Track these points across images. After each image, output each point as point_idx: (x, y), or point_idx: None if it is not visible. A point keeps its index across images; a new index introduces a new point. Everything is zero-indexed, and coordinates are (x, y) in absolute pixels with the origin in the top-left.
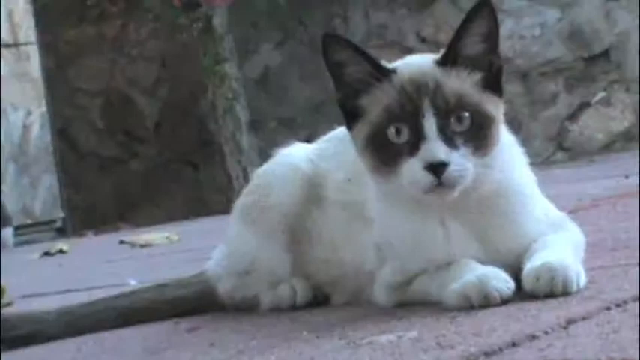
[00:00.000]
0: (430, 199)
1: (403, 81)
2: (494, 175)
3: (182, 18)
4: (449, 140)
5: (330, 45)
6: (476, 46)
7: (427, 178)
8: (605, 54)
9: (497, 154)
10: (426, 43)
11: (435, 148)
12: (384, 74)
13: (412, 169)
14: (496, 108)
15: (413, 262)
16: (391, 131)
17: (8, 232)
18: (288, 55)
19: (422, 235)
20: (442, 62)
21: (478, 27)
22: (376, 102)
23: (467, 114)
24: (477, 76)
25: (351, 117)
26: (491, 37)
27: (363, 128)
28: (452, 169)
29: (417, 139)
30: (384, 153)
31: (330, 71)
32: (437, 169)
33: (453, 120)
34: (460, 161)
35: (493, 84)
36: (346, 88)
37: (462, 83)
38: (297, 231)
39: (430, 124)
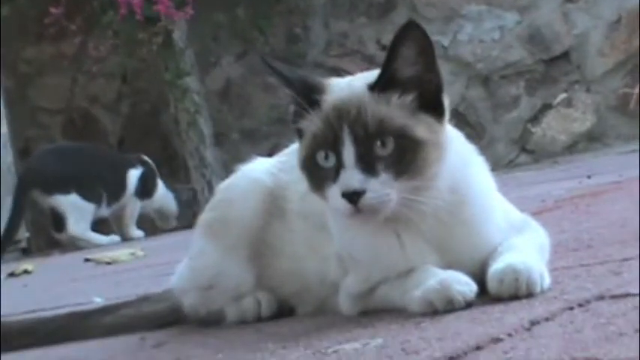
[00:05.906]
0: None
1: (328, 109)
2: (435, 192)
3: (142, 33)
4: (369, 167)
5: (265, 67)
6: (408, 68)
7: (345, 206)
8: (565, 55)
9: (438, 173)
10: (386, 51)
11: (350, 177)
12: (313, 102)
13: (333, 195)
14: (429, 129)
15: (373, 271)
16: (320, 156)
17: None
18: (250, 66)
19: (378, 247)
20: (373, 86)
21: (407, 49)
22: (308, 127)
23: (390, 138)
24: (409, 97)
25: (298, 136)
26: (425, 57)
27: (301, 150)
28: (368, 197)
29: (338, 166)
30: (315, 176)
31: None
32: (352, 197)
33: (378, 144)
34: (378, 187)
35: (432, 103)
36: (293, 108)
37: (388, 107)
38: (259, 244)
39: (348, 152)
